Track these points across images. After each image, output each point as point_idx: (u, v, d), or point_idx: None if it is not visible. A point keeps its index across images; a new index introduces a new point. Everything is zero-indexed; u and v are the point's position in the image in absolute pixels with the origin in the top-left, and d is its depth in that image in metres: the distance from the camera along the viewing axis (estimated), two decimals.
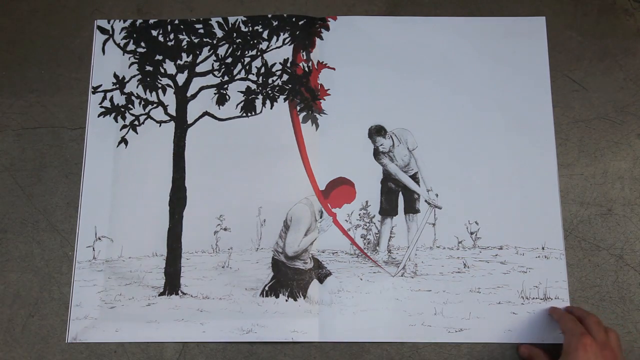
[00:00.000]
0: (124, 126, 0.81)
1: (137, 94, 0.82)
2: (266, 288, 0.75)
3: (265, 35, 0.83)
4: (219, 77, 0.82)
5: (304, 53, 0.83)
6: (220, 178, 0.79)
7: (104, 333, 0.74)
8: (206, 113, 0.81)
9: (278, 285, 0.75)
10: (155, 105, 0.82)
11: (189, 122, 0.81)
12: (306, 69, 0.82)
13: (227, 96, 0.82)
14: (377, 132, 0.80)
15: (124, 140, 0.80)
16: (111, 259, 0.77)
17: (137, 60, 0.83)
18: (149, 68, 0.83)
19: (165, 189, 0.79)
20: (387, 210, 0.79)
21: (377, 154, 0.80)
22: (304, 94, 0.81)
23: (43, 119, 0.81)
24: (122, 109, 0.82)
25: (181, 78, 0.82)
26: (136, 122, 0.81)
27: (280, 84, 0.82)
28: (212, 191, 0.79)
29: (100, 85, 0.82)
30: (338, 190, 0.78)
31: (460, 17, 0.84)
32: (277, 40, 0.83)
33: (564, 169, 0.78)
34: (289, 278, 0.76)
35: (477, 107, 0.81)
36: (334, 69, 0.82)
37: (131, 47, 0.83)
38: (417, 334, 0.73)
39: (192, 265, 0.77)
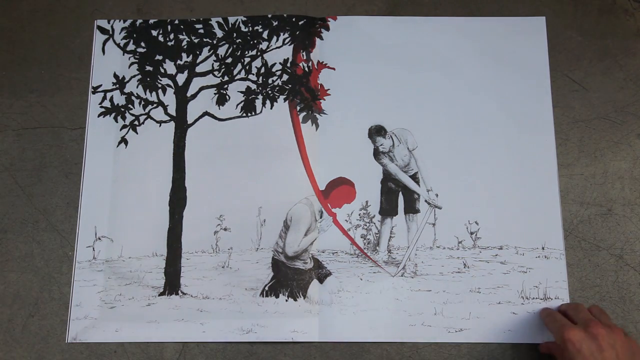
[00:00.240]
0: (124, 126, 0.81)
1: (137, 94, 0.82)
2: (266, 288, 0.75)
3: (265, 35, 0.83)
4: (219, 77, 0.82)
5: (304, 53, 0.83)
6: (220, 178, 0.79)
7: (104, 333, 0.74)
8: (206, 113, 0.81)
9: (278, 285, 0.75)
10: (155, 105, 0.82)
11: (189, 122, 0.81)
12: (306, 69, 0.82)
13: (227, 96, 0.82)
14: (377, 132, 0.80)
15: (124, 140, 0.81)
16: (111, 259, 0.77)
17: (137, 60, 0.83)
18: (149, 68, 0.83)
19: (165, 189, 0.79)
20: (387, 210, 0.79)
21: (377, 154, 0.80)
22: (304, 94, 0.81)
23: (43, 119, 0.82)
24: (122, 109, 0.82)
25: (181, 78, 0.82)
26: (136, 122, 0.81)
27: (280, 84, 0.82)
28: (212, 191, 0.79)
29: (100, 85, 0.82)
30: (338, 190, 0.78)
31: (460, 17, 0.84)
32: (277, 40, 0.83)
33: (564, 169, 0.78)
34: (289, 278, 0.76)
35: (477, 107, 0.81)
36: (334, 69, 0.82)
37: (131, 47, 0.83)
38: (417, 334, 0.73)
39: (192, 265, 0.77)
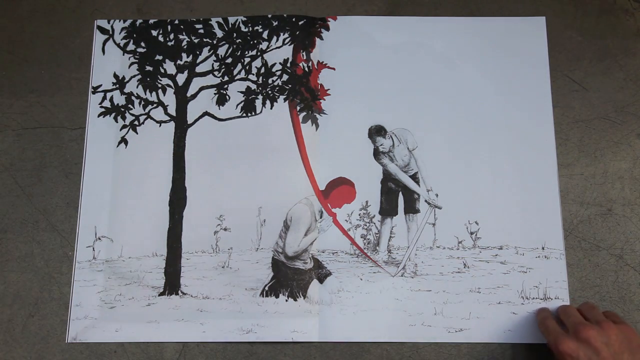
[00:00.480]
0: (124, 126, 0.81)
1: (137, 94, 0.82)
2: (266, 288, 0.75)
3: (265, 35, 0.83)
4: (219, 77, 0.82)
5: (304, 53, 0.83)
6: (220, 178, 0.79)
7: (104, 333, 0.74)
8: (206, 113, 0.81)
9: (278, 285, 0.75)
10: (155, 105, 0.82)
11: (189, 122, 0.81)
12: (306, 69, 0.82)
13: (227, 96, 0.82)
14: (377, 132, 0.80)
15: (124, 140, 0.81)
16: (111, 259, 0.77)
17: (137, 60, 0.83)
18: (149, 68, 0.83)
19: (165, 189, 0.79)
20: (387, 210, 0.79)
21: (377, 154, 0.80)
22: (304, 94, 0.81)
23: (43, 119, 0.82)
24: (122, 109, 0.82)
25: (181, 78, 0.82)
26: (136, 122, 0.81)
27: (280, 84, 0.82)
28: (212, 191, 0.79)
29: (100, 85, 0.82)
30: (338, 190, 0.78)
31: (460, 17, 0.84)
32: (277, 40, 0.83)
33: (564, 169, 0.78)
34: (289, 278, 0.76)
35: (477, 107, 0.81)
36: (334, 69, 0.82)
37: (131, 47, 0.83)
38: (417, 334, 0.73)
39: (192, 265, 0.77)
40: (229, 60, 0.83)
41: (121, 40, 0.84)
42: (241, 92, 0.82)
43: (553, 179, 0.78)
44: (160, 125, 0.81)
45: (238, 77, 0.82)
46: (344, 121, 0.80)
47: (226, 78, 0.82)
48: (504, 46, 0.82)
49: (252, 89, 0.82)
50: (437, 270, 0.76)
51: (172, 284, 0.76)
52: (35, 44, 0.84)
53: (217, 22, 0.84)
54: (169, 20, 0.84)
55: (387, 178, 0.79)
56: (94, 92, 0.82)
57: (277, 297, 0.75)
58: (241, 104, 0.81)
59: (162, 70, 0.83)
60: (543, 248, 0.76)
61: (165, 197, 0.79)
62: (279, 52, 0.83)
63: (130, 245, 0.77)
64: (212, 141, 0.80)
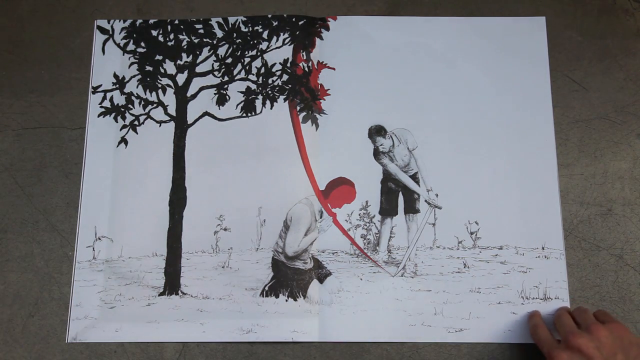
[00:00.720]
0: (124, 126, 0.81)
1: (137, 94, 0.82)
2: (266, 288, 0.75)
3: (265, 35, 0.83)
4: (219, 77, 0.82)
5: (304, 53, 0.83)
6: (220, 178, 0.79)
7: (104, 333, 0.74)
8: (206, 113, 0.81)
9: (278, 285, 0.75)
10: (155, 105, 0.82)
11: (189, 122, 0.81)
12: (306, 69, 0.82)
13: (227, 96, 0.82)
14: (377, 132, 0.80)
15: (124, 140, 0.81)
16: (111, 259, 0.77)
17: (137, 60, 0.83)
18: (149, 68, 0.83)
19: (165, 189, 0.79)
20: (387, 210, 0.79)
21: (377, 154, 0.80)
22: (304, 94, 0.81)
23: (43, 119, 0.82)
24: (122, 109, 0.82)
25: (181, 78, 0.82)
26: (136, 122, 0.81)
27: (280, 84, 0.82)
28: (212, 191, 0.79)
29: (100, 85, 0.82)
30: (338, 190, 0.78)
31: (460, 17, 0.84)
32: (277, 40, 0.83)
33: (564, 169, 0.78)
34: (289, 278, 0.76)
35: (477, 107, 0.81)
36: (334, 69, 0.82)
37: (131, 47, 0.83)
38: (417, 334, 0.73)
39: (192, 265, 0.77)
40: (229, 60, 0.83)
41: (121, 40, 0.84)
42: (241, 92, 0.82)
43: (553, 179, 0.78)
44: (160, 125, 0.81)
45: (238, 77, 0.82)
46: (344, 121, 0.80)
47: (226, 78, 0.82)
48: (504, 46, 0.82)
49: (252, 89, 0.82)
50: (437, 270, 0.76)
51: (172, 284, 0.76)
52: (35, 44, 0.84)
53: (217, 22, 0.84)
54: (169, 20, 0.84)
55: (387, 178, 0.79)
56: (94, 92, 0.82)
57: (277, 297, 0.75)
58: (241, 104, 0.81)
59: (162, 70, 0.83)
60: (543, 248, 0.76)
61: (165, 197, 0.79)
62: (279, 52, 0.83)
63: (130, 245, 0.77)
64: (212, 141, 0.80)
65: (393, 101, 0.81)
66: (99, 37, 0.84)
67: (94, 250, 0.77)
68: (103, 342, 0.74)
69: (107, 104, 0.82)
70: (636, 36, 0.83)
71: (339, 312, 0.74)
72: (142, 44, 0.84)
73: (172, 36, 0.84)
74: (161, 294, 0.76)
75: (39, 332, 0.74)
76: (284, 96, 0.81)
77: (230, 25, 0.84)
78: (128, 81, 0.82)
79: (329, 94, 0.81)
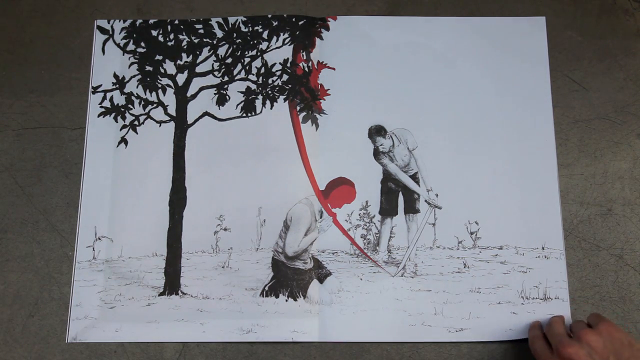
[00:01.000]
0: (124, 126, 0.81)
1: (137, 94, 0.82)
2: (266, 288, 0.75)
3: (265, 35, 0.83)
4: (219, 77, 0.82)
5: (304, 53, 0.83)
6: (220, 178, 0.79)
7: (104, 333, 0.74)
8: (206, 113, 0.81)
9: (278, 285, 0.75)
10: (155, 105, 0.82)
11: (189, 122, 0.81)
12: (306, 69, 0.82)
13: (227, 96, 0.82)
14: (377, 132, 0.80)
15: (124, 140, 0.81)
16: (111, 259, 0.77)
17: (137, 60, 0.83)
18: (149, 68, 0.83)
19: (165, 189, 0.79)
20: (387, 210, 0.79)
21: (377, 154, 0.80)
22: (304, 94, 0.81)
23: (43, 119, 0.82)
24: (122, 109, 0.82)
25: (181, 78, 0.82)
26: (136, 122, 0.81)
27: (280, 84, 0.82)
28: (212, 191, 0.79)
29: (100, 85, 0.82)
30: (338, 190, 0.78)
31: (460, 17, 0.84)
32: (277, 40, 0.83)
33: (564, 169, 0.78)
34: (289, 278, 0.76)
35: (477, 107, 0.81)
36: (334, 69, 0.82)
37: (131, 47, 0.83)
38: (417, 334, 0.73)
39: (192, 265, 0.77)
40: (229, 60, 0.83)
41: (121, 40, 0.84)
42: (241, 92, 0.82)
43: (553, 179, 0.78)
44: (160, 125, 0.81)
45: (238, 77, 0.82)
46: (344, 121, 0.80)
47: (226, 78, 0.82)
48: (504, 46, 0.82)
49: (252, 89, 0.82)
50: (437, 270, 0.76)
51: (172, 284, 0.76)
52: (35, 44, 0.84)
53: (217, 22, 0.84)
54: (169, 20, 0.84)
55: (387, 178, 0.79)
56: (94, 92, 0.82)
57: (277, 297, 0.75)
58: (241, 104, 0.81)
59: (162, 70, 0.83)
60: (543, 248, 0.76)
61: (165, 197, 0.79)
62: (279, 52, 0.83)
63: (130, 245, 0.77)
64: (212, 141, 0.80)
65: (393, 101, 0.81)
66: (99, 37, 0.84)
67: (94, 250, 0.77)
68: (103, 342, 0.74)
69: (107, 104, 0.82)
70: (636, 36, 0.83)
71: (339, 312, 0.74)
72: (142, 44, 0.84)
73: (172, 36, 0.84)
74: (161, 294, 0.76)
75: (39, 332, 0.74)
76: (284, 96, 0.81)
77: (230, 25, 0.84)
78: (128, 81, 0.82)
79: (329, 94, 0.81)
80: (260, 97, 0.81)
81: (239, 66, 0.82)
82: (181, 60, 0.83)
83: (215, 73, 0.82)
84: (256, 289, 0.75)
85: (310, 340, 0.73)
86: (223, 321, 0.74)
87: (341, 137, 0.80)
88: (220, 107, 0.81)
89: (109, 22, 0.84)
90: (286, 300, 0.75)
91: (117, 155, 0.80)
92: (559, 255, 0.75)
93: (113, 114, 0.81)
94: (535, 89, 0.81)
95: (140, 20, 0.84)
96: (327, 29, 0.83)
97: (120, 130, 0.81)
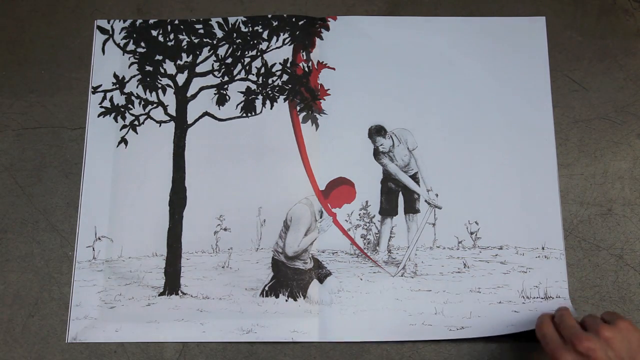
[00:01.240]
0: (124, 126, 0.81)
1: (137, 94, 0.82)
2: (266, 288, 0.75)
3: (265, 35, 0.83)
4: (219, 77, 0.82)
5: (304, 53, 0.83)
6: (220, 178, 0.79)
7: (104, 333, 0.74)
8: (206, 113, 0.81)
9: (278, 285, 0.75)
10: (155, 105, 0.82)
11: (189, 122, 0.81)
12: (306, 69, 0.82)
13: (227, 96, 0.82)
14: (377, 132, 0.80)
15: (124, 140, 0.81)
16: (111, 259, 0.77)
17: (137, 60, 0.83)
18: (149, 68, 0.83)
19: (165, 189, 0.79)
20: (387, 210, 0.79)
21: (377, 154, 0.80)
22: (304, 94, 0.81)
23: (43, 119, 0.82)
24: (122, 109, 0.82)
25: (181, 78, 0.82)
26: (136, 122, 0.81)
27: (280, 84, 0.82)
28: (212, 191, 0.79)
29: (100, 85, 0.82)
30: (338, 190, 0.78)
31: (460, 17, 0.84)
32: (277, 40, 0.83)
33: (564, 169, 0.78)
34: (289, 278, 0.76)
35: (477, 107, 0.81)
36: (334, 69, 0.82)
37: (131, 47, 0.83)
38: (417, 333, 0.73)
39: (192, 265, 0.77)
40: (229, 60, 0.83)
41: (121, 40, 0.84)
42: (241, 92, 0.82)
43: (553, 179, 0.78)
44: (160, 125, 0.81)
45: (238, 77, 0.82)
46: (344, 121, 0.80)
47: (226, 78, 0.82)
48: (503, 46, 0.82)
49: (252, 89, 0.82)
50: (437, 270, 0.76)
51: (172, 284, 0.76)
52: (35, 44, 0.84)
53: (217, 22, 0.84)
54: (169, 20, 0.84)
55: (387, 178, 0.79)
56: (94, 92, 0.82)
57: (277, 297, 0.75)
58: (241, 104, 0.81)
59: (162, 70, 0.83)
60: (543, 248, 0.76)
61: (165, 197, 0.79)
62: (279, 52, 0.83)
63: (130, 245, 0.77)
64: (212, 141, 0.80)
65: (393, 101, 0.81)
66: (99, 37, 0.84)
67: (94, 250, 0.77)
68: (103, 342, 0.74)
69: (107, 104, 0.82)
70: (636, 36, 0.83)
71: (339, 312, 0.74)
72: (142, 44, 0.84)
73: (172, 36, 0.84)
74: (161, 294, 0.76)
75: (39, 332, 0.74)
76: (284, 96, 0.82)
77: (230, 26, 0.84)
78: (128, 81, 0.82)
79: (329, 94, 0.81)
80: (260, 97, 0.81)
81: (239, 66, 0.82)
82: (181, 60, 0.83)
83: (215, 73, 0.82)
84: (256, 289, 0.75)
85: (310, 340, 0.73)
86: (223, 321, 0.74)
87: (341, 137, 0.80)
88: (220, 107, 0.81)
89: (109, 22, 0.84)
90: (286, 300, 0.75)
91: (117, 155, 0.80)
92: (559, 255, 0.75)
93: (113, 114, 0.81)
94: (535, 89, 0.81)
95: (140, 20, 0.84)
96: (327, 29, 0.83)
97: (120, 130, 0.81)
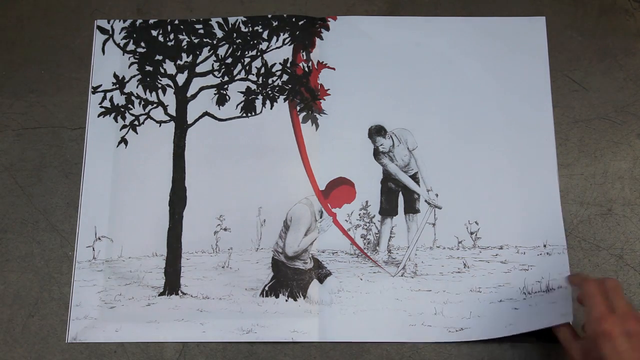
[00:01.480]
0: (124, 126, 0.81)
1: (137, 94, 0.82)
2: (266, 288, 0.75)
3: (265, 35, 0.83)
4: (219, 77, 0.82)
5: (304, 53, 0.83)
6: (220, 178, 0.79)
7: (104, 333, 0.74)
8: (206, 113, 0.81)
9: (278, 285, 0.75)
10: (155, 105, 0.82)
11: (189, 122, 0.81)
12: (306, 69, 0.82)
13: (227, 96, 0.82)
14: (377, 132, 0.80)
15: (124, 140, 0.81)
16: (111, 259, 0.77)
17: (137, 60, 0.83)
18: (149, 68, 0.83)
19: (165, 189, 0.79)
20: (387, 210, 0.79)
21: (377, 154, 0.80)
22: (304, 94, 0.81)
23: (43, 119, 0.82)
24: (122, 109, 0.82)
25: (181, 78, 0.82)
26: (136, 122, 0.81)
27: (280, 84, 0.82)
28: (212, 191, 0.79)
29: (100, 85, 0.82)
30: (338, 190, 0.78)
31: (460, 17, 0.84)
32: (277, 40, 0.83)
33: (564, 169, 0.78)
34: (289, 278, 0.76)
35: (477, 107, 0.81)
36: (334, 69, 0.82)
37: (131, 47, 0.83)
38: (417, 334, 0.73)
39: (192, 265, 0.77)
40: (229, 60, 0.83)
41: (121, 40, 0.84)
42: (241, 92, 0.82)
43: (553, 179, 0.78)
44: (160, 125, 0.81)
45: (238, 77, 0.82)
46: (344, 121, 0.80)
47: (226, 78, 0.82)
48: (504, 46, 0.82)
49: (252, 89, 0.82)
50: (437, 270, 0.76)
51: (172, 284, 0.76)
52: (35, 44, 0.84)
53: (217, 22, 0.84)
54: (169, 20, 0.84)
55: (387, 178, 0.79)
56: (94, 92, 0.82)
57: (277, 297, 0.75)
58: (241, 104, 0.81)
59: (162, 70, 0.83)
60: (545, 245, 0.75)
61: (165, 197, 0.79)
62: (279, 52, 0.83)
63: (130, 245, 0.77)
64: (212, 141, 0.80)
65: (393, 101, 0.81)
66: (99, 37, 0.84)
67: (94, 250, 0.77)
68: (103, 342, 0.74)
69: (107, 104, 0.82)
70: (636, 36, 0.83)
71: (339, 312, 0.74)
72: (142, 44, 0.84)
73: (172, 36, 0.84)
74: (161, 294, 0.76)
75: (39, 332, 0.74)
76: (284, 96, 0.82)
77: (230, 26, 0.84)
78: (128, 81, 0.82)
79: (329, 94, 0.81)
80: (260, 97, 0.81)
81: (239, 66, 0.82)
82: (181, 60, 0.83)
83: (215, 73, 0.82)
84: (256, 289, 0.75)
85: (310, 340, 0.73)
86: (223, 321, 0.74)
87: (341, 137, 0.80)
88: (220, 107, 0.81)
89: (109, 22, 0.84)
90: (286, 300, 0.75)
91: (117, 155, 0.80)
92: (562, 250, 0.75)
93: (113, 114, 0.81)
94: (535, 89, 0.81)
95: (140, 20, 0.84)
96: (327, 29, 0.83)
97: (120, 130, 0.81)
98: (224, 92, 0.82)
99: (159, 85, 0.82)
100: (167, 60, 0.83)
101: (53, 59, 0.84)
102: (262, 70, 0.82)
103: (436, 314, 0.73)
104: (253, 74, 0.82)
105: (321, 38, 0.83)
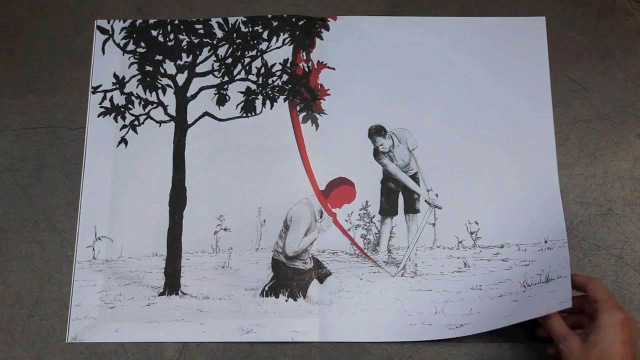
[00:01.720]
0: (124, 126, 0.81)
1: (137, 94, 0.82)
2: (266, 288, 0.75)
3: (265, 35, 0.83)
4: (219, 77, 0.82)
5: (304, 53, 0.83)
6: (220, 178, 0.79)
7: (104, 333, 0.74)
8: (206, 113, 0.81)
9: (278, 285, 0.75)
10: (155, 105, 0.82)
11: (189, 122, 0.81)
12: (306, 69, 0.82)
13: (227, 96, 0.82)
14: (377, 132, 0.80)
15: (124, 140, 0.81)
16: (111, 259, 0.77)
17: (137, 60, 0.83)
18: (149, 68, 0.83)
19: (165, 189, 0.79)
20: (387, 210, 0.79)
21: (377, 154, 0.80)
22: (304, 94, 0.81)
23: (43, 119, 0.82)
24: (122, 109, 0.82)
25: (181, 78, 0.82)
26: (136, 122, 0.81)
27: (280, 84, 0.82)
28: (212, 191, 0.79)
29: (100, 85, 0.82)
30: (338, 190, 0.78)
31: (460, 17, 0.84)
32: (277, 40, 0.83)
33: (564, 169, 0.78)
34: (289, 278, 0.76)
35: (477, 107, 0.81)
36: (334, 69, 0.82)
37: (131, 47, 0.83)
38: (417, 333, 0.73)
39: (192, 265, 0.77)
40: (229, 60, 0.83)
41: (121, 40, 0.84)
42: (241, 92, 0.82)
43: (553, 179, 0.78)
44: (160, 125, 0.81)
45: (238, 77, 0.82)
46: (344, 121, 0.80)
47: (226, 78, 0.82)
48: (503, 46, 0.82)
49: (252, 89, 0.82)
50: (437, 270, 0.76)
51: (172, 284, 0.76)
52: (35, 44, 0.84)
53: (217, 23, 0.84)
54: (169, 20, 0.84)
55: (387, 178, 0.79)
56: (94, 92, 0.82)
57: (277, 297, 0.75)
58: (241, 104, 0.81)
59: (162, 70, 0.83)
60: (546, 241, 0.75)
61: (165, 197, 0.79)
62: (279, 52, 0.83)
63: (130, 245, 0.77)
64: (212, 141, 0.80)
65: (393, 101, 0.81)
66: (98, 37, 0.84)
67: (94, 250, 0.77)
68: (103, 342, 0.74)
69: (107, 104, 0.82)
70: (636, 36, 0.83)
71: (339, 312, 0.74)
72: (142, 44, 0.84)
73: (172, 36, 0.84)
74: (161, 294, 0.76)
75: (39, 332, 0.74)
76: (284, 96, 0.82)
77: (230, 26, 0.84)
78: (128, 81, 0.82)
79: (329, 94, 0.81)
80: (260, 97, 0.81)
81: (239, 66, 0.82)
82: (181, 60, 0.83)
83: (215, 73, 0.82)
84: (256, 289, 0.75)
85: (310, 340, 0.73)
86: (223, 321, 0.74)
87: (341, 137, 0.80)
88: (220, 107, 0.81)
89: (109, 22, 0.84)
90: (286, 300, 0.75)
91: (117, 155, 0.80)
92: (563, 244, 0.73)
93: (113, 114, 0.81)
94: (535, 89, 0.81)
95: (140, 20, 0.84)
96: (327, 29, 0.83)
97: (120, 130, 0.81)
98: (224, 92, 0.82)
99: (159, 85, 0.82)
100: (167, 60, 0.83)
101: (53, 59, 0.84)
102: (262, 71, 0.82)
103: (436, 313, 0.73)
104: (253, 74, 0.82)
105: (321, 38, 0.83)
